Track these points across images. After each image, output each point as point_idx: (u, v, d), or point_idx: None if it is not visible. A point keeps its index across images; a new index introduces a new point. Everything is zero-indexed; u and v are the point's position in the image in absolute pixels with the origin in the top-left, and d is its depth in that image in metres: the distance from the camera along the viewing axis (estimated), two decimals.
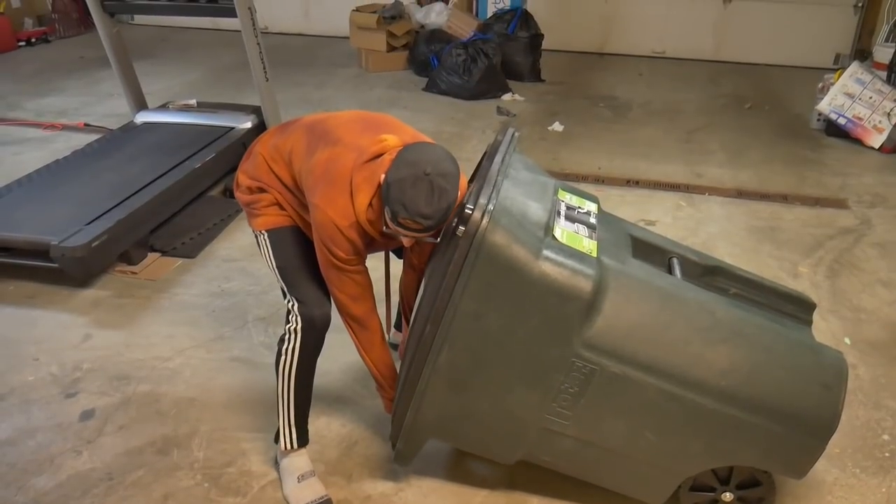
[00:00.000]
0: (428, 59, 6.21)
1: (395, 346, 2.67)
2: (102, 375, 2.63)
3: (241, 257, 3.37)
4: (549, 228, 1.85)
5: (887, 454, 2.34)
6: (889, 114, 4.86)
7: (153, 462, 2.25)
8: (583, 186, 4.17)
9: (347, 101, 5.76)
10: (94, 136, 4.47)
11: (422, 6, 6.95)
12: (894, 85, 5.02)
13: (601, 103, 5.82)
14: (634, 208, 3.93)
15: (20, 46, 7.16)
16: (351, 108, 5.57)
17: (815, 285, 3.24)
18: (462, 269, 1.72)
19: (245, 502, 2.12)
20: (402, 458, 2.07)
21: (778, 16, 6.75)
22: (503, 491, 2.17)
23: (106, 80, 5.82)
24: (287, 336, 2.02)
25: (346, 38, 6.84)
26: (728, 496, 2.01)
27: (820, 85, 5.23)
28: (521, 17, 6.25)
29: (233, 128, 4.28)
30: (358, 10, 6.56)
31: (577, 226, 1.95)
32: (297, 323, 2.00)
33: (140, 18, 8.06)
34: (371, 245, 1.97)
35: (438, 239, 1.93)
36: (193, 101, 4.66)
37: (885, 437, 2.41)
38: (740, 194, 4.19)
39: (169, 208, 3.60)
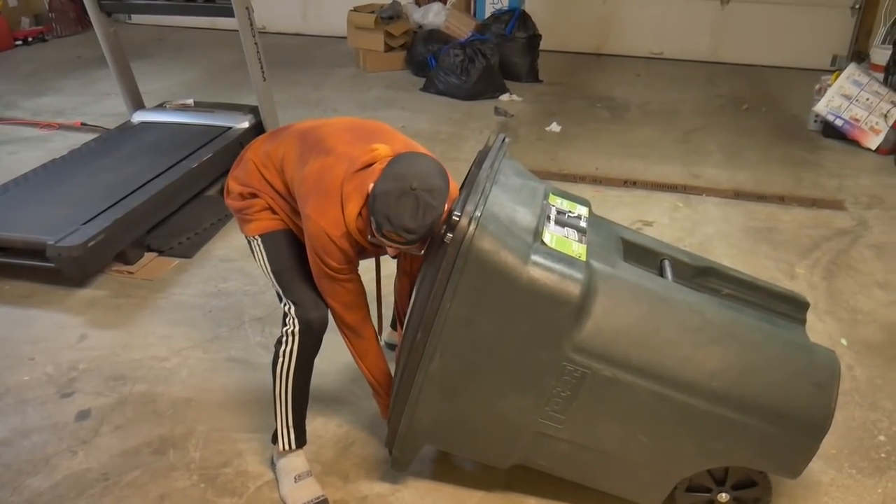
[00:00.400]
0: (426, 59, 6.20)
1: (392, 347, 2.67)
2: (98, 375, 2.62)
3: (238, 257, 3.36)
4: (538, 233, 1.86)
5: (883, 455, 2.34)
6: (886, 115, 4.86)
7: (149, 462, 2.25)
8: (580, 187, 4.19)
9: (345, 101, 5.75)
10: (90, 136, 4.46)
11: (419, 6, 6.94)
12: (891, 87, 5.03)
13: (599, 104, 5.83)
14: (632, 209, 3.94)
15: (17, 45, 7.14)
16: (348, 108, 5.61)
17: (812, 286, 3.24)
18: (451, 276, 1.73)
19: (241, 503, 2.12)
20: (398, 465, 2.09)
21: (775, 17, 6.76)
22: (500, 492, 2.17)
23: (103, 80, 5.81)
24: (284, 339, 2.02)
25: (344, 38, 6.84)
26: (724, 497, 2.01)
27: (817, 86, 5.23)
28: (518, 18, 6.25)
29: (230, 127, 4.27)
30: (356, 10, 6.56)
31: (566, 230, 1.96)
32: (294, 326, 2.00)
33: (137, 18, 8.04)
34: (362, 252, 1.98)
35: (422, 252, 1.94)
36: (190, 101, 4.66)
37: (882, 437, 2.41)
38: (737, 195, 4.20)
39: (166, 208, 3.60)
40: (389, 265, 2.33)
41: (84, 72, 6.34)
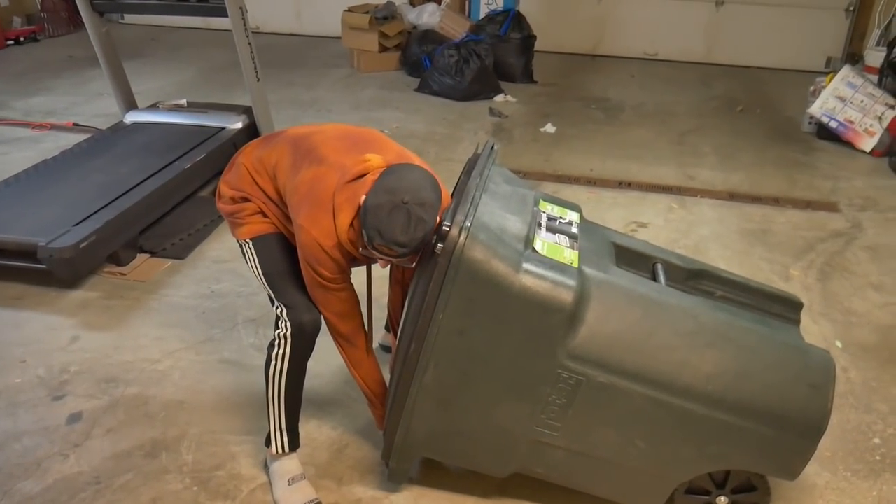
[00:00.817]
0: (420, 59, 6.19)
1: (386, 349, 2.66)
2: (90, 378, 2.60)
3: (231, 258, 3.34)
4: (529, 241, 1.86)
5: (878, 458, 2.34)
6: (880, 117, 4.88)
7: (141, 465, 2.23)
8: (575, 188, 4.18)
9: (339, 101, 5.74)
10: (82, 136, 4.44)
11: (414, 7, 6.94)
12: (886, 89, 5.04)
13: (593, 105, 5.83)
14: (626, 210, 3.93)
15: (8, 45, 7.11)
16: (343, 108, 5.60)
17: (807, 288, 3.24)
18: (443, 287, 1.73)
19: None
20: (395, 477, 2.09)
21: (770, 19, 6.77)
22: (494, 496, 2.16)
23: (95, 80, 5.78)
24: (277, 342, 2.01)
25: (338, 38, 6.83)
26: (723, 500, 2.01)
27: (811, 88, 5.25)
28: (513, 19, 6.25)
29: (223, 128, 4.25)
30: (350, 10, 6.54)
31: (558, 236, 1.96)
32: (286, 329, 1.99)
33: (130, 18, 8.01)
34: (354, 262, 1.97)
35: (414, 264, 1.93)
36: (183, 101, 4.63)
37: (876, 440, 2.41)
38: (732, 197, 4.20)
39: (158, 209, 3.58)
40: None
41: (76, 72, 6.30)
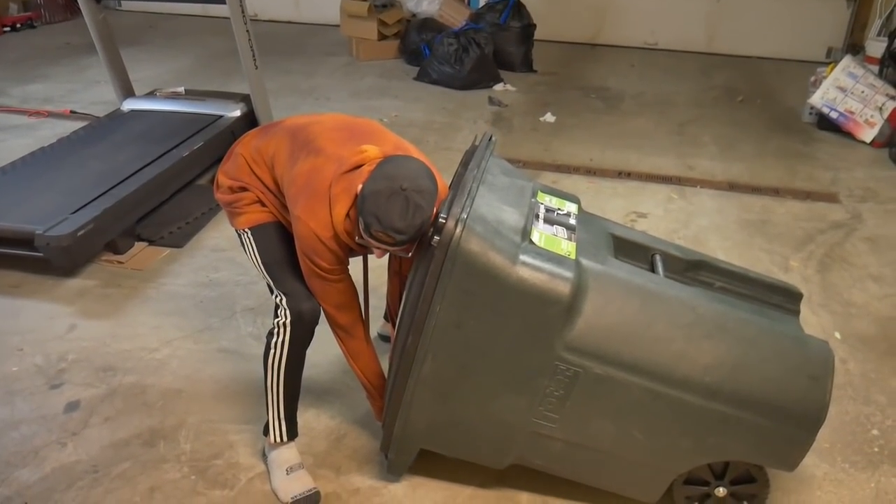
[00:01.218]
0: (419, 48, 6.16)
1: (384, 338, 2.65)
2: (88, 366, 2.59)
3: (230, 247, 3.33)
4: (526, 233, 1.85)
5: (876, 449, 2.34)
6: (881, 108, 4.86)
7: (139, 454, 2.23)
8: (574, 178, 4.17)
9: (338, 90, 5.71)
10: (80, 124, 4.42)
11: None
12: (887, 79, 5.03)
13: (593, 94, 5.80)
14: (626, 200, 3.92)
15: (5, 32, 7.07)
16: (341, 97, 5.58)
17: (806, 279, 3.24)
18: (439, 279, 1.72)
19: (232, 495, 2.10)
20: (395, 469, 2.09)
21: (771, 8, 6.74)
22: (492, 486, 2.16)
23: (92, 67, 5.75)
24: (276, 330, 2.01)
25: (337, 26, 6.79)
26: (721, 491, 2.01)
27: (812, 78, 5.23)
28: (513, 7, 6.21)
29: (221, 116, 4.23)
30: None
31: (555, 228, 1.95)
32: (285, 317, 1.99)
33: (127, 4, 7.97)
34: (351, 252, 1.96)
35: (410, 254, 1.93)
36: (181, 89, 4.61)
37: (875, 431, 2.41)
38: (732, 187, 4.19)
39: (156, 197, 3.56)
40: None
41: (73, 59, 6.27)
